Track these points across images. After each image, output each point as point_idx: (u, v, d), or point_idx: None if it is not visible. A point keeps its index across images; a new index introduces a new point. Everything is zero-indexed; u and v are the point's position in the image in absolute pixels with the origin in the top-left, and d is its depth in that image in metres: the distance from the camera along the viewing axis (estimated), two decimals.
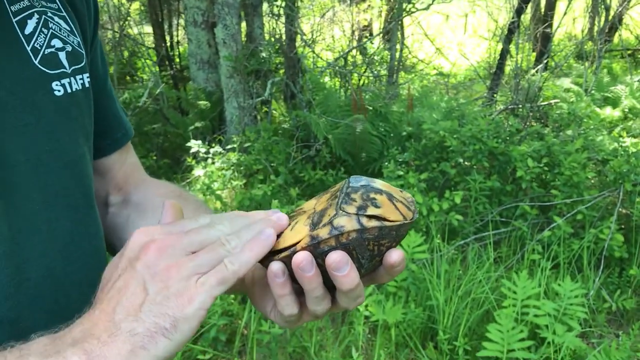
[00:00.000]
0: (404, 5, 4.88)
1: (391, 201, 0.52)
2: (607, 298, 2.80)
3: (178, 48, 7.13)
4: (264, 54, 4.73)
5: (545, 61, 6.83)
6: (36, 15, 0.61)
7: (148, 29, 8.21)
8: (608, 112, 5.13)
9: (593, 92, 5.53)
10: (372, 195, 0.52)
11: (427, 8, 4.80)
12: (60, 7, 0.65)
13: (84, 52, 0.66)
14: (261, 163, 3.99)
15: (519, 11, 5.69)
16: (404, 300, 2.59)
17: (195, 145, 4.22)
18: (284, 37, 5.08)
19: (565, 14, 7.11)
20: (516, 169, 3.28)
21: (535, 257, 2.87)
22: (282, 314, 0.54)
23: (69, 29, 0.65)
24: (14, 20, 0.59)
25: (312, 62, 5.65)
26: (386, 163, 3.62)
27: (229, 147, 4.41)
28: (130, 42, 7.05)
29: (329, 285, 0.52)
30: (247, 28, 5.11)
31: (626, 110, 5.14)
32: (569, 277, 2.53)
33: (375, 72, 6.35)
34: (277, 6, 4.95)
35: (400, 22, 6.07)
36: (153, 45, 7.02)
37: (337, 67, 5.25)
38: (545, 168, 3.35)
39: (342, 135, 4.18)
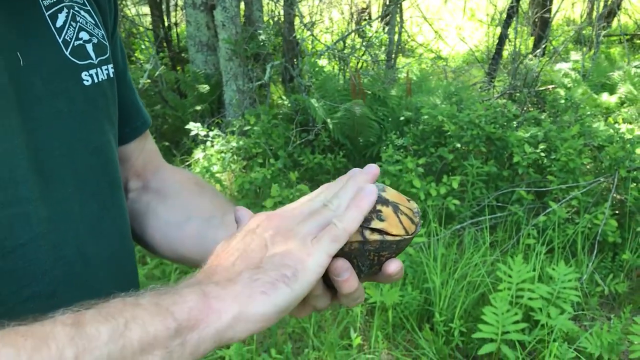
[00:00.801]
0: None
1: (396, 214, 0.55)
2: (600, 282, 2.86)
3: (176, 29, 7.10)
4: (263, 37, 4.73)
5: (543, 46, 6.84)
6: (65, 10, 0.64)
7: (145, 9, 8.16)
8: (605, 98, 5.16)
9: (590, 77, 5.56)
10: (378, 207, 0.54)
11: None
12: (85, 1, 0.68)
13: (107, 44, 0.69)
14: (260, 146, 4.01)
15: None
16: (401, 283, 2.64)
17: (194, 128, 4.24)
18: (282, 19, 5.08)
19: None
20: (513, 154, 3.32)
21: (531, 241, 2.92)
22: None
23: (93, 22, 0.68)
24: (46, 14, 0.62)
25: (311, 45, 5.65)
26: (384, 147, 3.65)
27: (228, 130, 4.43)
28: (128, 23, 7.01)
29: (330, 284, 0.55)
30: (246, 10, 5.10)
31: (623, 96, 5.17)
32: (563, 262, 2.58)
33: (374, 55, 6.36)
34: None
35: (399, 5, 6.06)
36: (151, 27, 6.99)
37: (336, 51, 5.25)
38: (542, 154, 3.39)
39: (340, 120, 4.20)
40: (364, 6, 10.55)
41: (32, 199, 0.56)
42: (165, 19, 6.85)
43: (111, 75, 0.68)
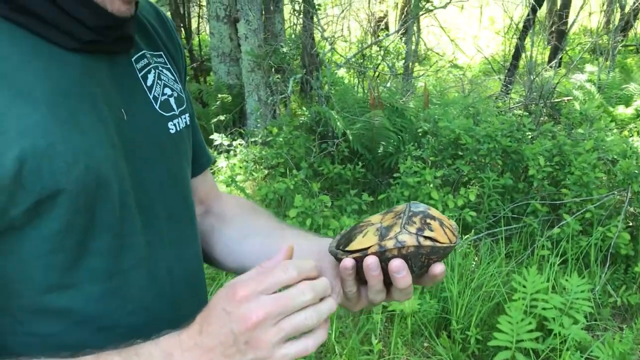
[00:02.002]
0: (421, 3, 4.99)
1: (442, 227, 0.70)
2: (612, 293, 2.95)
3: (198, 40, 7.28)
4: (284, 50, 4.87)
5: (559, 57, 6.92)
6: (153, 70, 0.77)
7: None
8: (621, 110, 5.23)
9: (606, 90, 5.63)
10: (428, 220, 0.70)
11: (444, 7, 4.91)
12: (166, 60, 0.81)
13: (184, 96, 0.82)
14: (282, 156, 4.14)
15: (534, 9, 5.77)
16: (419, 291, 2.75)
17: (218, 137, 4.39)
18: (302, 31, 5.22)
19: (581, 8, 7.18)
20: (528, 167, 3.42)
21: (545, 252, 3.02)
22: (345, 297, 0.72)
23: (173, 78, 0.81)
24: (139, 75, 0.75)
25: (330, 57, 5.78)
26: (402, 159, 3.77)
27: (250, 140, 4.58)
28: None
29: (387, 282, 0.70)
30: (267, 23, 5.25)
31: (639, 108, 5.24)
32: (576, 273, 2.68)
33: (391, 64, 6.48)
34: (298, 2, 5.08)
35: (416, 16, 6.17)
36: None
37: (354, 63, 5.38)
38: (557, 167, 3.48)
39: (360, 131, 4.33)
40: (382, 15, 10.68)
41: (137, 230, 0.69)
42: (185, 30, 7.03)
43: (188, 123, 0.82)
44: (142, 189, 0.70)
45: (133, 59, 0.74)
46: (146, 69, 0.76)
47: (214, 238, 0.92)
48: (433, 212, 0.71)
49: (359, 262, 0.69)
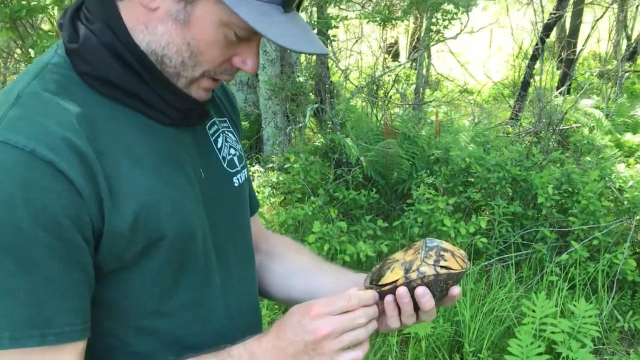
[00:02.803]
0: (432, 34, 5.18)
1: (454, 257, 0.87)
2: (619, 318, 3.06)
3: None
4: (300, 79, 5.07)
5: (568, 83, 7.06)
6: (221, 134, 0.94)
7: None
8: (628, 137, 5.35)
9: (614, 117, 5.76)
10: (442, 252, 0.86)
11: (455, 37, 5.09)
12: (229, 124, 0.98)
13: (243, 155, 0.99)
14: (299, 182, 4.31)
15: (543, 40, 5.94)
16: None
17: None
18: (316, 60, 5.41)
19: (588, 37, 7.34)
20: (537, 195, 3.55)
21: (554, 278, 3.14)
22: (387, 324, 0.87)
23: (235, 139, 0.98)
24: (211, 140, 0.91)
25: (344, 85, 5.97)
26: (415, 186, 3.92)
27: (268, 166, 4.75)
28: None
29: (415, 307, 0.86)
30: (284, 53, 5.46)
31: None
32: (583, 299, 2.80)
33: (402, 90, 6.66)
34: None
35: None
36: None
37: (367, 92, 5.56)
38: (565, 195, 3.62)
39: (373, 158, 4.49)
40: (393, 41, 10.90)
41: (214, 267, 0.85)
42: None
43: (246, 176, 0.98)
44: (216, 234, 0.87)
45: (207, 126, 0.91)
46: (216, 134, 0.93)
47: (263, 273, 1.07)
48: (445, 245, 0.88)
49: (393, 292, 0.85)
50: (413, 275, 0.84)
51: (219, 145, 0.92)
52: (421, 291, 0.83)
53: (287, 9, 0.74)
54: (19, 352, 0.66)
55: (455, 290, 0.86)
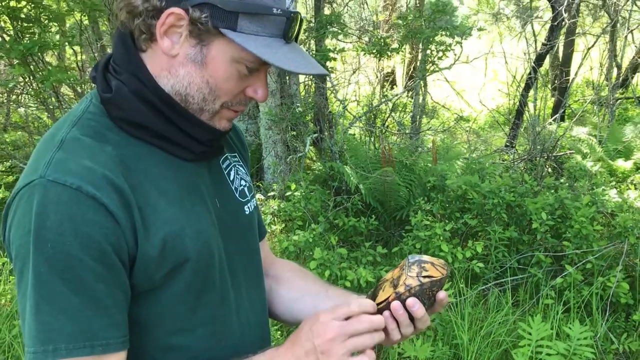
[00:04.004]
0: (427, 65, 5.34)
1: (434, 266, 0.97)
2: (614, 340, 3.13)
3: None
4: (300, 109, 5.21)
5: (562, 110, 7.23)
6: (233, 168, 1.05)
7: None
8: (620, 163, 5.48)
9: (607, 143, 5.90)
10: (423, 265, 0.96)
11: (449, 67, 5.26)
12: (239, 158, 1.10)
13: (252, 186, 1.10)
14: (300, 210, 4.41)
15: (535, 69, 6.11)
16: (432, 338, 2.95)
17: None
18: (314, 91, 5.57)
19: (579, 66, 7.53)
20: (532, 221, 3.66)
21: (549, 301, 3.22)
22: (390, 337, 0.96)
23: (244, 171, 1.09)
24: (224, 173, 1.03)
25: (342, 115, 6.12)
26: (413, 212, 4.02)
27: (269, 194, 4.86)
28: None
29: (411, 318, 0.95)
30: (283, 85, 5.62)
31: (638, 162, 5.49)
32: (578, 321, 2.87)
33: (399, 119, 6.81)
34: None
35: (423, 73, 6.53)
36: None
37: (365, 121, 5.70)
38: (559, 220, 3.72)
39: (372, 185, 4.60)
40: (389, 70, 11.12)
41: (229, 287, 0.96)
42: None
43: (256, 205, 1.09)
44: (230, 258, 0.98)
45: (220, 161, 1.03)
46: (229, 168, 1.04)
47: (273, 298, 1.18)
48: (425, 257, 0.98)
49: (388, 309, 0.95)
50: (401, 289, 0.93)
51: (231, 178, 1.04)
52: (411, 301, 0.92)
53: (288, 40, 0.86)
54: None
55: (441, 294, 0.95)
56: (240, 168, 1.08)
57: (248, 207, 1.05)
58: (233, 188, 1.03)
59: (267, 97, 0.93)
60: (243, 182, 1.06)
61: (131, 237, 0.81)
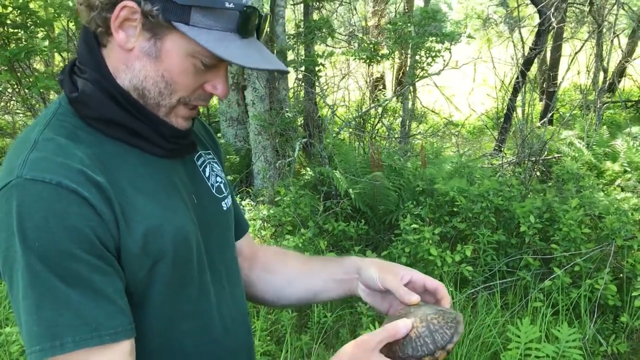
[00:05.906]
0: (416, 71, 5.37)
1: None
2: (602, 342, 3.14)
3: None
4: (289, 114, 5.21)
5: (550, 114, 7.28)
6: (208, 165, 1.06)
7: None
8: (608, 165, 5.52)
9: (594, 146, 5.94)
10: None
11: (438, 73, 5.28)
12: (213, 156, 1.11)
13: (228, 182, 1.11)
14: (290, 215, 4.40)
15: (523, 73, 6.15)
16: None
17: None
18: (304, 96, 5.57)
19: (567, 70, 7.58)
20: (520, 224, 3.67)
21: (538, 304, 3.24)
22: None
23: (219, 168, 1.10)
24: (200, 169, 1.03)
25: (332, 119, 6.13)
26: (402, 216, 4.03)
27: (259, 199, 4.85)
28: None
29: None
30: (273, 90, 5.62)
31: (625, 164, 5.53)
32: (566, 323, 2.89)
33: (388, 123, 6.83)
34: (301, 71, 5.46)
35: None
36: None
37: (354, 126, 5.71)
38: (547, 223, 3.74)
39: (361, 190, 4.60)
40: (379, 75, 11.15)
41: (208, 281, 0.96)
42: None
43: (232, 201, 1.11)
44: (210, 253, 0.98)
45: (195, 158, 1.04)
46: (204, 164, 1.05)
47: (264, 286, 1.19)
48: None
49: None
50: None
51: (207, 174, 1.04)
52: None
53: (244, 35, 0.85)
54: (83, 353, 0.76)
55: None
56: (215, 165, 1.09)
57: (225, 203, 1.06)
58: (209, 184, 1.04)
59: (227, 94, 0.92)
60: (219, 179, 1.07)
61: (115, 232, 0.81)
